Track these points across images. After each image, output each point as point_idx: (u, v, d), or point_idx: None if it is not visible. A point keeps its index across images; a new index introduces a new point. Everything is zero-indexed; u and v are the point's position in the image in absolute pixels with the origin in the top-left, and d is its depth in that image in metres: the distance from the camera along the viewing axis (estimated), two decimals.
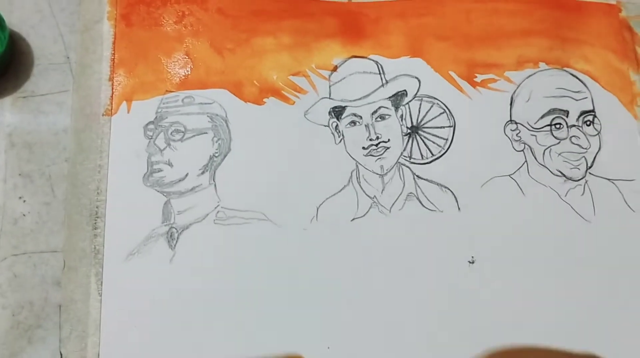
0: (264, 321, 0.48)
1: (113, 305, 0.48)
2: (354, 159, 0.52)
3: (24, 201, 0.50)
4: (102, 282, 0.48)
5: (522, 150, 0.54)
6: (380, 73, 0.54)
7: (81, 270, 0.48)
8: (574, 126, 0.55)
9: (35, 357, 0.47)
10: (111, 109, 0.52)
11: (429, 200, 0.52)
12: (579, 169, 0.54)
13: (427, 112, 0.54)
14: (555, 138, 0.55)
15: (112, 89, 0.52)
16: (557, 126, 0.55)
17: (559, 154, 0.54)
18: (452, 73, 0.55)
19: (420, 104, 0.54)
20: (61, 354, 0.46)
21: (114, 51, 0.53)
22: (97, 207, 0.49)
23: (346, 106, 0.53)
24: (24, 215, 0.49)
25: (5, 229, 0.49)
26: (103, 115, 0.52)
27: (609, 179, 0.54)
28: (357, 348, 0.48)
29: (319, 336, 0.48)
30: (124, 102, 0.52)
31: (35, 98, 0.52)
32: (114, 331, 0.47)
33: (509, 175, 0.53)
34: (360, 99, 0.54)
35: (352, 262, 0.50)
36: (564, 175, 0.54)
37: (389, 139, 0.53)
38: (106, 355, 0.47)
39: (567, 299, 0.51)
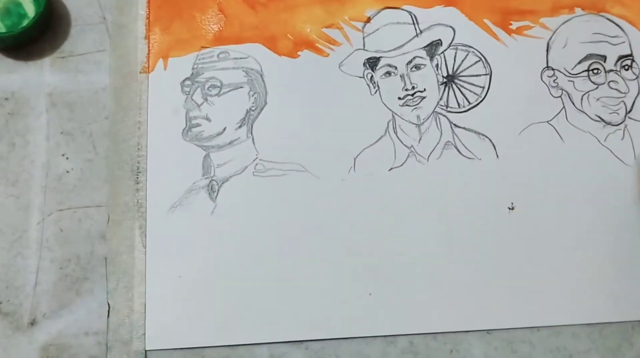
0: (304, 270, 0.48)
1: (157, 256, 0.48)
2: (390, 109, 0.52)
3: (67, 158, 0.50)
4: (145, 235, 0.49)
5: (560, 96, 0.54)
6: (414, 23, 0.54)
7: (125, 224, 0.49)
8: (612, 70, 0.54)
9: (84, 308, 0.47)
10: (148, 67, 0.52)
11: (466, 148, 0.52)
12: (618, 114, 0.53)
13: (462, 61, 0.54)
14: (593, 83, 0.54)
15: (149, 47, 0.53)
16: (595, 71, 0.54)
17: (598, 100, 0.53)
18: (486, 21, 0.55)
19: (456, 53, 0.54)
20: (109, 305, 0.47)
21: (148, 9, 0.54)
22: (138, 162, 0.50)
23: (381, 57, 0.53)
24: (67, 172, 0.50)
25: (49, 185, 0.50)
26: (140, 73, 0.52)
27: None
28: (398, 294, 0.48)
29: (360, 284, 0.48)
30: (161, 59, 0.53)
31: (74, 58, 0.53)
32: (159, 281, 0.48)
33: (547, 121, 0.53)
34: (394, 49, 0.54)
35: (390, 211, 0.50)
36: (603, 120, 0.53)
37: (424, 89, 0.53)
38: (152, 304, 0.47)
39: (608, 242, 0.50)
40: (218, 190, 0.50)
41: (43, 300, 0.48)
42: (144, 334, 0.47)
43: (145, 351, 0.47)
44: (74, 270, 0.48)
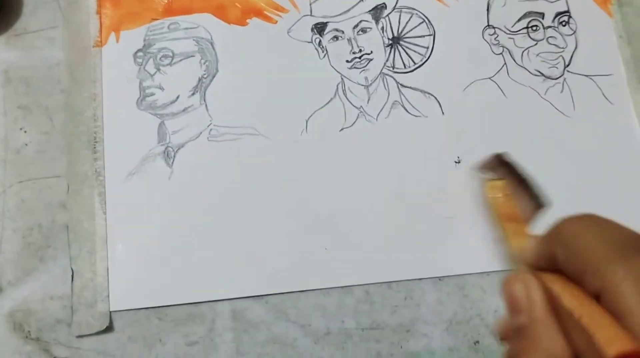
0: (261, 229, 0.50)
1: (117, 221, 0.50)
2: (338, 72, 0.54)
3: (25, 131, 0.52)
4: (105, 202, 0.50)
5: (501, 53, 0.56)
6: None
7: (84, 192, 0.50)
8: (550, 27, 0.56)
9: (48, 274, 0.49)
10: (101, 41, 0.54)
11: (413, 107, 0.54)
12: (557, 68, 0.56)
13: (406, 23, 0.56)
14: (532, 39, 0.56)
15: (100, 21, 0.54)
16: (534, 27, 0.56)
17: (537, 55, 0.56)
18: None
19: (400, 16, 0.56)
20: (72, 270, 0.49)
21: None
22: (95, 133, 0.51)
23: (328, 22, 0.55)
24: (25, 145, 0.51)
25: (9, 159, 0.51)
26: (93, 47, 0.54)
27: (586, 76, 0.56)
28: (352, 247, 0.51)
29: (316, 239, 0.50)
30: (112, 33, 0.54)
31: (28, 35, 0.54)
32: (120, 246, 0.49)
33: (490, 78, 0.55)
34: (340, 14, 0.55)
35: (342, 170, 0.52)
36: (543, 74, 0.56)
37: (371, 52, 0.55)
38: (115, 268, 0.49)
39: (550, 192, 0.53)
40: (174, 156, 0.51)
41: (7, 268, 0.49)
42: (108, 296, 0.49)
43: (110, 312, 0.48)
44: (36, 238, 0.50)
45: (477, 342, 0.50)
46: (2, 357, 0.47)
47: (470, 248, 0.51)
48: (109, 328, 0.48)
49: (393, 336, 0.50)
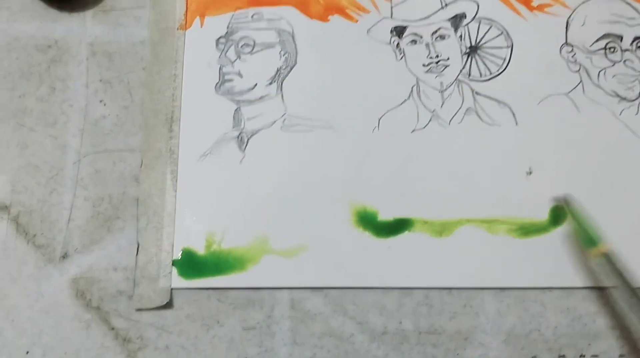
0: (325, 223, 0.50)
1: (187, 200, 0.50)
2: (414, 75, 0.55)
3: (104, 104, 0.53)
4: (177, 179, 0.51)
5: (578, 71, 0.56)
6: None
7: (157, 168, 0.51)
8: (627, 50, 0.56)
9: (114, 244, 0.49)
10: (185, 24, 0.55)
11: (487, 115, 0.54)
12: (633, 90, 0.55)
13: (485, 34, 0.56)
14: (609, 60, 0.56)
15: (187, 5, 0.55)
16: (611, 49, 0.56)
17: (614, 76, 0.56)
18: None
19: (479, 26, 0.56)
20: (138, 243, 0.49)
21: None
22: (172, 112, 0.52)
23: (407, 26, 0.56)
24: (104, 117, 0.52)
25: (87, 129, 0.52)
26: (178, 29, 0.55)
27: None
28: (415, 250, 0.50)
29: (380, 237, 0.50)
30: (198, 17, 0.55)
31: (115, 12, 0.55)
32: (187, 224, 0.50)
33: (565, 94, 0.55)
34: (421, 19, 0.56)
35: (411, 171, 0.52)
36: (619, 95, 0.55)
37: (448, 58, 0.55)
38: (179, 245, 0.49)
39: (620, 214, 0.52)
40: (247, 141, 0.52)
41: (75, 235, 0.49)
42: (170, 273, 0.49)
43: (171, 289, 0.48)
44: (106, 208, 0.50)
45: (535, 357, 0.49)
46: (62, 322, 0.48)
47: (533, 262, 0.50)
48: (169, 305, 0.48)
49: (450, 342, 0.49)
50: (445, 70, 0.55)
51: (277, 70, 0.54)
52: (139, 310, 0.48)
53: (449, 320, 0.49)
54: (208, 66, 0.54)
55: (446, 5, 0.57)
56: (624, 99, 0.55)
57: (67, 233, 0.49)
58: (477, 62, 0.55)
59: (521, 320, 0.50)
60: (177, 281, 0.49)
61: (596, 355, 0.49)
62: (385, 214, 0.51)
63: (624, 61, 0.56)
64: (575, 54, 0.56)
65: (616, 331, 0.49)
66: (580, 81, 0.55)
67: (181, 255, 0.49)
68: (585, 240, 0.49)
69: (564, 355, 0.49)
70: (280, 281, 0.49)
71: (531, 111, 0.54)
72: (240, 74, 0.54)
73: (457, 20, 0.56)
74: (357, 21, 0.56)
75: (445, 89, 0.54)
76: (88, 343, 0.48)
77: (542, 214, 0.51)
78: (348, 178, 0.52)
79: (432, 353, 0.49)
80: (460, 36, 0.56)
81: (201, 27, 0.55)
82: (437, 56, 0.55)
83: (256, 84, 0.54)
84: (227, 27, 0.55)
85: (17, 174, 0.50)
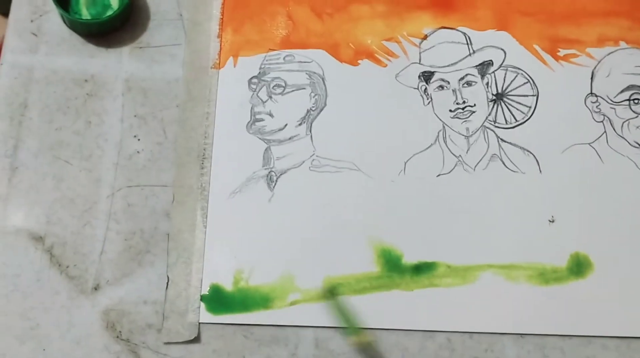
0: (349, 263, 0.51)
1: (216, 236, 0.52)
2: (441, 120, 0.56)
3: (139, 139, 0.54)
4: (207, 216, 0.52)
5: (602, 121, 0.57)
6: (467, 44, 0.58)
7: (188, 204, 0.52)
8: None
9: (144, 278, 0.51)
10: (219, 63, 0.56)
11: (512, 162, 0.55)
12: None
13: (511, 82, 0.57)
14: (633, 112, 0.57)
15: (221, 45, 0.57)
16: (636, 101, 0.57)
17: (637, 128, 0.57)
18: (536, 46, 0.58)
19: (506, 74, 0.58)
20: (168, 277, 0.50)
21: (222, 10, 0.58)
22: (204, 149, 0.54)
23: (435, 72, 0.57)
24: (138, 152, 0.54)
25: (121, 163, 0.53)
26: (211, 68, 0.56)
27: None
28: (438, 294, 0.51)
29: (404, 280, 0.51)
30: (231, 57, 0.57)
31: (151, 49, 0.57)
32: (216, 260, 0.51)
33: (589, 143, 0.56)
34: (448, 66, 0.57)
35: (436, 214, 0.53)
36: None
37: (474, 104, 0.57)
38: (208, 280, 0.50)
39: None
40: (276, 180, 0.53)
41: (107, 267, 0.51)
42: (199, 307, 0.50)
43: (199, 323, 0.49)
44: (137, 242, 0.51)
45: None
46: (93, 353, 0.49)
47: (554, 309, 0.51)
48: (196, 339, 0.49)
49: None
50: (471, 116, 0.56)
51: (307, 111, 0.55)
52: (167, 343, 0.49)
53: None
54: (240, 105, 0.55)
55: (474, 52, 0.58)
56: None
57: (99, 265, 0.51)
58: (502, 110, 0.57)
59: None
60: (205, 316, 0.50)
61: None
62: (410, 257, 0.52)
63: None
64: (599, 104, 0.57)
65: None
66: (604, 132, 0.56)
67: (209, 290, 0.50)
68: (348, 330, 0.50)
69: None
70: (305, 319, 0.50)
71: (555, 159, 0.55)
72: (271, 114, 0.55)
73: (484, 67, 0.58)
74: (386, 66, 0.57)
75: (471, 135, 0.56)
76: None
77: (563, 262, 0.52)
78: (373, 219, 0.53)
79: None
80: (487, 83, 0.57)
81: (234, 67, 0.56)
82: (464, 102, 0.56)
83: (286, 125, 0.55)
84: (260, 68, 0.56)
85: (52, 206, 0.52)
